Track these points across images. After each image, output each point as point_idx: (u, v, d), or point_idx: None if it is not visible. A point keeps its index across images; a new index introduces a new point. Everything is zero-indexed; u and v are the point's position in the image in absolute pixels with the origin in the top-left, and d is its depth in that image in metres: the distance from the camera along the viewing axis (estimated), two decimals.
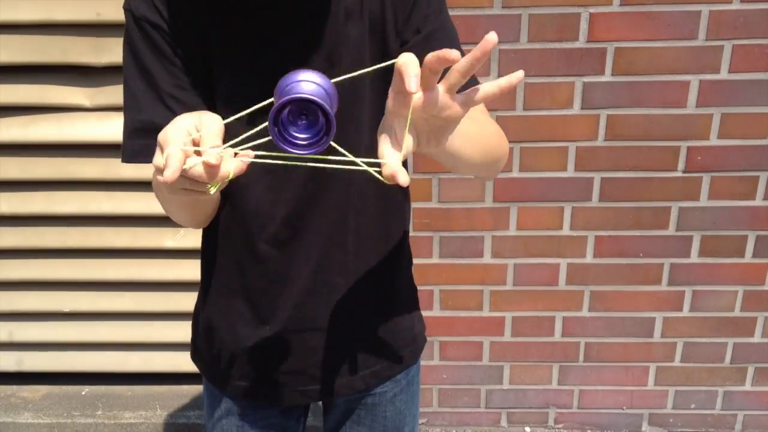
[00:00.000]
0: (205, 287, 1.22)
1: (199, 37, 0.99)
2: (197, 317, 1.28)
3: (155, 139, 0.81)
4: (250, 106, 0.99)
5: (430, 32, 1.04)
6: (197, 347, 1.28)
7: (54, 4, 2.10)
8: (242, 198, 1.09)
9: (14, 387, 2.62)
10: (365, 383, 1.23)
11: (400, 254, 1.22)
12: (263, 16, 0.99)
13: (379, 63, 1.02)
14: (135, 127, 1.01)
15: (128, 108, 1.01)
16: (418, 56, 0.96)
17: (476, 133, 1.01)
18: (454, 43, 1.07)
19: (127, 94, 1.01)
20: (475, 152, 1.00)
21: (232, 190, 1.08)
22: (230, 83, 1.01)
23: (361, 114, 1.05)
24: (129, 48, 1.00)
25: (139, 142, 1.00)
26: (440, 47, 0.99)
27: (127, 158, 1.02)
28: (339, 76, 1.00)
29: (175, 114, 0.92)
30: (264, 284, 1.14)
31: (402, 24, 1.03)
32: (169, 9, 0.98)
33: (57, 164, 2.28)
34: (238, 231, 1.11)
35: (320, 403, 1.34)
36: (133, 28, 0.99)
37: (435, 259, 2.27)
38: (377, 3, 1.02)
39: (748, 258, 2.23)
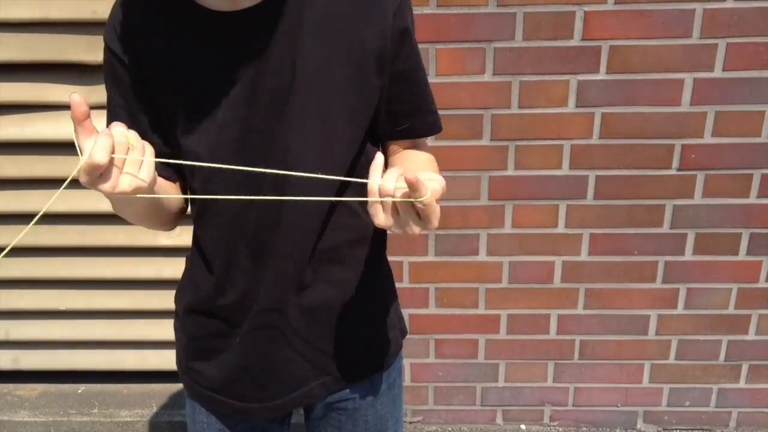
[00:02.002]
0: (181, 301, 1.26)
1: (158, 62, 1.02)
2: (175, 334, 1.31)
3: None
4: (213, 122, 1.02)
5: (411, 70, 1.10)
6: (178, 360, 1.31)
7: (49, 3, 2.10)
8: (219, 214, 1.11)
9: (10, 385, 2.62)
10: (327, 390, 1.23)
11: (368, 264, 1.22)
12: (217, 34, 0.99)
13: (354, 86, 1.04)
14: None
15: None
16: (393, 92, 1.09)
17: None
18: (424, 80, 1.14)
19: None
20: None
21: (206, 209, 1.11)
22: (191, 102, 1.03)
23: (332, 132, 1.05)
24: (104, 74, 1.08)
25: None
26: (415, 86, 1.11)
27: None
28: (299, 88, 1.01)
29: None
30: (236, 298, 1.15)
31: (390, 59, 1.06)
32: (131, 40, 1.02)
33: (53, 162, 2.28)
34: (220, 246, 1.13)
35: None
36: (105, 56, 1.06)
37: (430, 257, 2.28)
38: (356, 30, 1.03)
39: (742, 256, 2.24)
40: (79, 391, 2.60)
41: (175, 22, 1.00)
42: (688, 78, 2.05)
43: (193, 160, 1.02)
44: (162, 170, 1.09)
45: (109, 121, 1.04)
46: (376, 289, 1.25)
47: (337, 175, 1.04)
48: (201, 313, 1.20)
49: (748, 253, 2.23)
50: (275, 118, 1.02)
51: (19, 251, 2.41)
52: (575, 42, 2.03)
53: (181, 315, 1.26)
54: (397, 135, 1.15)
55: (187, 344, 1.25)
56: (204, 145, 1.03)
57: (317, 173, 0.96)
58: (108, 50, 1.04)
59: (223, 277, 1.14)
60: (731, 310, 2.31)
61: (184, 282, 1.25)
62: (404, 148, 1.18)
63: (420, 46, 1.13)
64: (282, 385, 1.20)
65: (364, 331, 1.24)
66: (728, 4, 1.97)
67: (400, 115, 1.13)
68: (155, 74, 1.02)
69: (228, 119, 1.01)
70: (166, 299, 2.49)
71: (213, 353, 1.21)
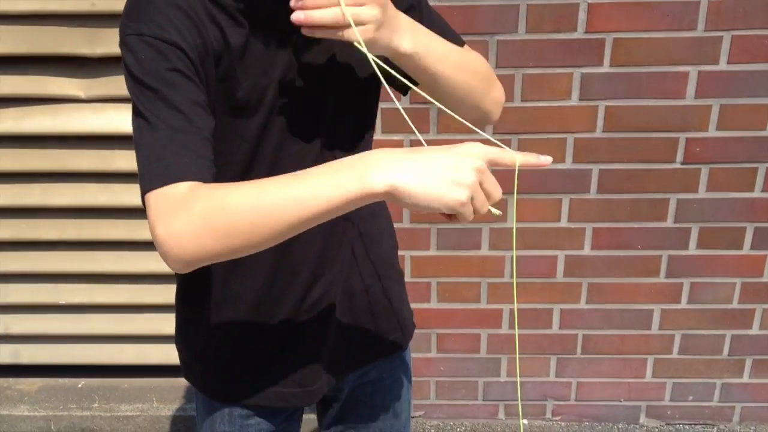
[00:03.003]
0: (192, 305, 1.21)
1: (211, 51, 0.96)
2: (185, 336, 1.26)
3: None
4: (265, 105, 1.00)
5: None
6: (191, 366, 1.26)
7: None
8: None
9: (10, 380, 2.62)
10: (349, 366, 1.25)
11: (388, 239, 1.26)
12: (263, 17, 0.97)
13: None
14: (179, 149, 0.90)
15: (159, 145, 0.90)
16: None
17: (457, 58, 1.06)
18: (441, 23, 1.17)
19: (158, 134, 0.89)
20: (458, 76, 1.06)
21: None
22: (240, 90, 0.99)
23: (367, 101, 1.09)
24: (154, 80, 0.89)
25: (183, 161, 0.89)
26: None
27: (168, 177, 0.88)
28: (339, 63, 1.01)
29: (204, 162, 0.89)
30: (264, 286, 1.14)
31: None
32: (190, 32, 0.93)
33: (52, 156, 2.27)
34: None
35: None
36: (164, 54, 0.90)
37: (432, 251, 2.26)
38: None
39: (746, 250, 2.23)
40: (79, 386, 2.59)
41: (218, 9, 0.96)
42: (692, 71, 2.03)
43: (256, 143, 1.02)
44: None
45: (180, 125, 0.89)
46: (396, 264, 1.29)
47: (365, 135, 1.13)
48: (243, 319, 1.17)
49: (753, 247, 2.22)
50: (322, 98, 1.04)
51: (18, 245, 2.40)
52: (579, 34, 2.01)
53: (218, 336, 1.19)
54: None
55: (221, 355, 1.21)
56: (255, 125, 1.02)
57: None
58: (171, 46, 0.90)
59: (270, 267, 1.12)
60: (735, 304, 2.30)
61: (215, 302, 1.18)
62: None
63: None
64: (319, 364, 1.20)
65: (388, 305, 1.26)
66: None
67: None
68: (207, 64, 0.96)
69: (278, 103, 1.01)
70: (166, 293, 2.49)
71: (255, 350, 1.18)
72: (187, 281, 1.20)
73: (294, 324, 1.15)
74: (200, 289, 1.17)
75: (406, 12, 1.06)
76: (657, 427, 2.47)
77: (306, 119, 1.04)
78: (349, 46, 0.92)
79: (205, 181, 0.88)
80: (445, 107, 1.03)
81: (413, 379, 2.42)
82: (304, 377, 1.19)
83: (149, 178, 0.88)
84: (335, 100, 1.06)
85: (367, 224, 1.19)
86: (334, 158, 0.89)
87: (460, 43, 1.16)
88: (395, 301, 1.28)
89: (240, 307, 1.15)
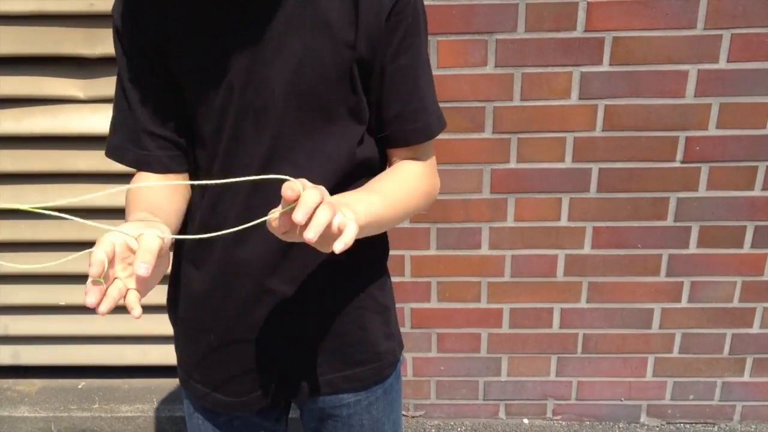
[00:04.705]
0: (168, 296, 1.27)
1: (164, 42, 1.01)
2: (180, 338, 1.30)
3: (132, 144, 1.10)
4: (213, 108, 1.01)
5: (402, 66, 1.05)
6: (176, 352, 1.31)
7: None
8: (196, 209, 1.11)
9: (10, 381, 2.61)
10: (316, 389, 1.21)
11: (357, 268, 1.17)
12: (218, 19, 0.99)
13: (349, 80, 1.02)
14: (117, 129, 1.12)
15: (115, 108, 1.11)
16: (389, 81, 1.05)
17: (393, 215, 1.05)
18: (424, 74, 1.09)
19: (116, 97, 1.09)
20: (394, 221, 1.07)
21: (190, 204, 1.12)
22: (192, 86, 1.03)
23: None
24: (116, 56, 1.07)
25: (119, 143, 1.13)
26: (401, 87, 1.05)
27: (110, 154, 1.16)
28: (295, 81, 0.99)
29: (147, 149, 1.10)
30: (208, 291, 1.14)
31: (384, 52, 1.03)
32: (139, 17, 1.01)
33: (51, 157, 2.26)
34: (190, 241, 1.13)
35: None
36: (114, 36, 1.05)
37: (432, 251, 2.26)
38: (349, 27, 1.00)
39: (746, 248, 2.22)
40: (80, 386, 2.59)
41: (176, 5, 0.99)
42: (692, 69, 2.03)
43: (202, 142, 1.07)
44: (183, 166, 1.12)
45: (127, 102, 1.07)
46: (380, 297, 1.22)
47: (329, 171, 1.04)
48: (198, 316, 1.19)
49: (753, 246, 2.22)
50: (267, 110, 1.01)
51: (17, 246, 2.40)
52: (578, 33, 2.01)
53: (182, 328, 1.25)
54: (384, 143, 1.12)
55: (193, 348, 1.23)
56: (209, 128, 1.05)
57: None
58: (116, 33, 1.05)
59: (190, 284, 1.15)
60: (735, 303, 2.29)
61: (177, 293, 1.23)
62: (402, 157, 1.14)
63: None
64: (263, 377, 1.18)
65: (363, 337, 1.21)
66: None
67: (382, 122, 1.09)
68: (160, 54, 1.03)
69: (225, 106, 1.02)
70: (166, 293, 2.49)
71: (200, 358, 1.20)
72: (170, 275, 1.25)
73: (232, 333, 1.15)
74: (173, 282, 1.24)
75: (398, 47, 1.02)
76: (658, 426, 2.47)
77: (254, 131, 1.02)
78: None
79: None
80: None
81: (414, 379, 2.43)
82: (240, 387, 1.18)
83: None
84: (287, 117, 1.02)
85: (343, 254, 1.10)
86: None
87: (437, 126, 1.14)
88: (372, 333, 1.21)
89: (189, 303, 1.18)
